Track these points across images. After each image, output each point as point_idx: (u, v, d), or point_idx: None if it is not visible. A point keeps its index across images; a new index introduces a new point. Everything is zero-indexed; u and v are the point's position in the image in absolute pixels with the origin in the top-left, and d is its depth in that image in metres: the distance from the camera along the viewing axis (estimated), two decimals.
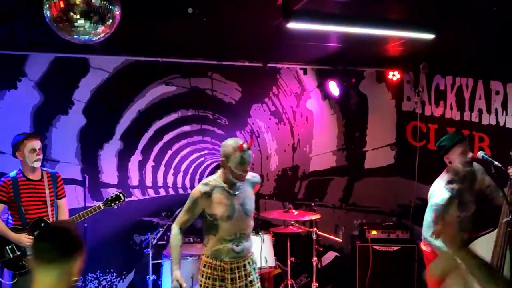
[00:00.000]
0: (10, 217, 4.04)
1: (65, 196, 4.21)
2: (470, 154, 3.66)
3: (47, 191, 4.04)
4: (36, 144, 3.98)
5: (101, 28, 2.38)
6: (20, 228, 3.92)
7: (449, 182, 3.63)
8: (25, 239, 3.87)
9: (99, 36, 2.46)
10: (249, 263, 3.41)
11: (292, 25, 3.73)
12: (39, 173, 4.06)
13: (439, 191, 3.63)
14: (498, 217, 3.42)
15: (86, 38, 2.44)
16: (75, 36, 2.42)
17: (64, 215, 4.13)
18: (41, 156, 4.01)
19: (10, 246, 3.89)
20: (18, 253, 3.89)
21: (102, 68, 5.16)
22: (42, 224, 3.94)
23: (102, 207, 4.08)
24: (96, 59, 5.10)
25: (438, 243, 3.54)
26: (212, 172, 5.55)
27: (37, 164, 3.99)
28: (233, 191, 3.32)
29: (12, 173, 4.02)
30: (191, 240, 4.96)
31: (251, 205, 3.39)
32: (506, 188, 3.38)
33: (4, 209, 3.98)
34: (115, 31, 2.68)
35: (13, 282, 3.94)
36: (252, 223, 3.44)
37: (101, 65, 5.15)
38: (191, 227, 5.27)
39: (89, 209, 4.05)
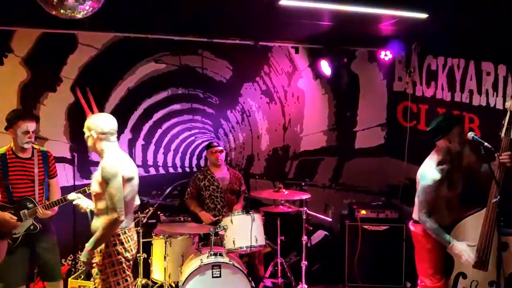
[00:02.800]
0: None
1: (57, 176, 4.17)
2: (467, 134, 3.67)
3: (36, 170, 3.98)
4: (31, 126, 3.89)
5: (88, 3, 2.33)
6: (6, 206, 3.88)
7: (440, 163, 3.67)
8: (8, 218, 3.82)
9: (86, 12, 2.40)
10: None
11: (284, 2, 3.69)
12: (29, 151, 4.00)
13: (429, 172, 3.65)
14: (486, 196, 3.47)
15: (73, 13, 2.38)
16: (62, 11, 2.36)
17: (55, 194, 4.09)
18: (33, 139, 3.94)
19: None
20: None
21: (91, 45, 5.07)
22: (28, 204, 3.90)
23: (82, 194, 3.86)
24: (85, 35, 5.00)
25: (431, 223, 3.59)
26: (200, 153, 5.55)
27: (27, 146, 3.93)
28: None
29: (2, 150, 3.96)
30: (182, 219, 4.97)
31: (92, 184, 3.40)
32: (494, 168, 3.41)
33: None
34: (103, 6, 2.62)
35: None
36: (99, 203, 3.36)
37: (90, 42, 5.05)
38: (182, 207, 5.32)
39: (62, 197, 3.92)
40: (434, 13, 3.97)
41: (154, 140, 5.42)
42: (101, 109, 5.15)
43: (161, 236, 4.57)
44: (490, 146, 3.37)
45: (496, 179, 3.36)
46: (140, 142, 5.37)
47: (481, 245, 3.45)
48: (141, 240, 4.56)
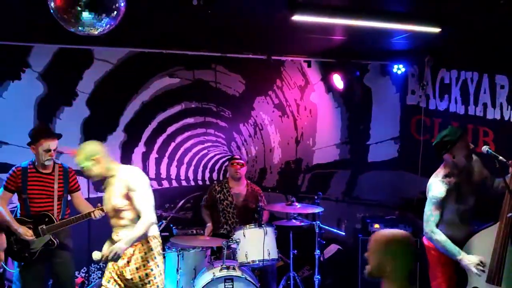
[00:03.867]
0: (19, 207, 4.04)
1: (80, 189, 4.19)
2: (472, 146, 3.66)
3: (55, 185, 4.00)
4: (52, 144, 3.93)
5: (105, 20, 2.38)
6: (25, 220, 3.92)
7: (446, 175, 3.65)
8: (24, 231, 3.84)
9: (103, 28, 2.45)
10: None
11: (297, 18, 3.72)
12: (50, 166, 4.03)
13: (435, 185, 3.63)
14: (499, 210, 3.43)
15: (90, 30, 2.44)
16: (80, 28, 2.41)
17: (83, 205, 4.11)
18: (54, 157, 3.98)
19: (14, 237, 3.88)
20: (21, 245, 3.88)
21: (106, 60, 5.15)
22: (46, 219, 3.91)
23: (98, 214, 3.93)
24: (100, 51, 5.09)
25: (438, 237, 3.55)
26: (213, 166, 5.57)
27: (48, 163, 3.97)
28: (103, 185, 3.58)
29: (24, 163, 4.00)
30: (194, 232, 4.98)
31: (113, 200, 3.47)
32: (508, 180, 3.37)
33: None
34: (119, 22, 2.67)
35: (19, 272, 3.95)
36: (125, 214, 3.47)
37: (105, 57, 5.14)
38: (196, 219, 5.33)
39: (83, 214, 3.94)
40: (447, 27, 3.97)
41: (167, 153, 5.47)
42: (116, 123, 5.23)
43: (173, 249, 4.58)
44: (504, 160, 3.35)
45: (511, 192, 3.32)
46: (153, 155, 5.41)
47: (495, 260, 3.40)
48: None
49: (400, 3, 3.84)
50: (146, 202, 3.41)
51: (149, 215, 3.39)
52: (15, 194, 4.01)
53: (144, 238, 3.46)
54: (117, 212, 3.48)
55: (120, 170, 3.51)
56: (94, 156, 3.44)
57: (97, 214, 3.91)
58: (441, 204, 3.59)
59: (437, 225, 3.60)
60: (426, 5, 3.81)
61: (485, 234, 3.52)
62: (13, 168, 3.99)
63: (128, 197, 3.42)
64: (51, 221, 3.91)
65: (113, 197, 3.47)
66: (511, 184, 3.35)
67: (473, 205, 3.69)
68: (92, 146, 3.53)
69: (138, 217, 3.43)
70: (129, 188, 3.39)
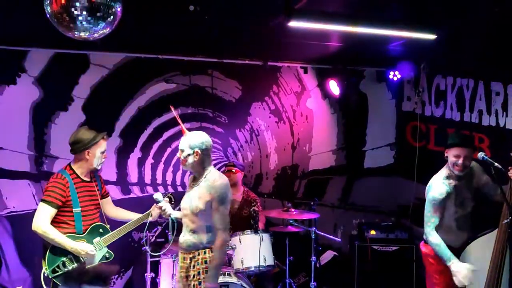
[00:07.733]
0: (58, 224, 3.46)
1: (109, 194, 3.94)
2: (460, 161, 3.55)
3: (97, 193, 3.68)
4: (105, 145, 3.64)
5: (102, 25, 2.38)
6: (76, 236, 3.45)
7: (448, 177, 3.65)
8: (87, 248, 3.41)
9: (100, 33, 2.45)
10: (193, 258, 3.37)
11: (293, 24, 3.73)
12: (89, 173, 3.65)
13: (436, 185, 3.63)
14: (498, 217, 3.43)
15: (87, 34, 2.43)
16: (76, 33, 2.41)
17: (114, 211, 3.85)
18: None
19: (66, 258, 3.42)
20: (76, 265, 3.44)
21: (102, 65, 5.14)
22: (101, 230, 3.54)
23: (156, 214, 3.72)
24: (96, 56, 5.08)
25: (433, 239, 3.54)
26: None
27: (99, 167, 3.62)
28: (193, 184, 3.45)
29: (63, 171, 3.52)
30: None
31: (194, 202, 3.33)
32: (506, 189, 3.38)
33: None
34: (116, 27, 2.67)
35: None
36: (197, 220, 3.34)
37: (101, 62, 5.12)
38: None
39: (142, 215, 3.68)
40: (442, 35, 3.99)
41: (163, 159, 5.45)
42: (111, 129, 5.21)
43: (169, 255, 4.55)
44: (500, 167, 3.35)
45: (507, 199, 3.33)
46: (149, 160, 5.39)
47: (492, 266, 3.39)
48: (149, 259, 4.54)
49: (396, 10, 3.86)
50: (225, 219, 3.31)
51: (224, 234, 3.32)
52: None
53: None
54: (192, 213, 3.33)
55: (213, 175, 3.36)
56: (194, 148, 3.30)
57: (156, 213, 3.75)
58: (441, 206, 3.59)
59: (436, 229, 3.59)
60: (422, 12, 3.84)
61: (483, 241, 3.52)
62: (56, 179, 3.44)
63: (209, 204, 3.28)
64: (106, 232, 3.57)
65: (195, 199, 3.32)
66: (508, 192, 3.35)
67: (471, 211, 3.68)
68: (200, 137, 3.36)
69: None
70: (217, 197, 3.26)
